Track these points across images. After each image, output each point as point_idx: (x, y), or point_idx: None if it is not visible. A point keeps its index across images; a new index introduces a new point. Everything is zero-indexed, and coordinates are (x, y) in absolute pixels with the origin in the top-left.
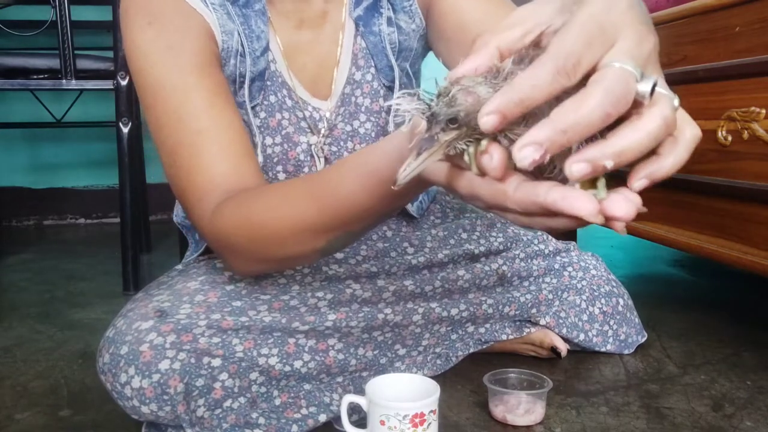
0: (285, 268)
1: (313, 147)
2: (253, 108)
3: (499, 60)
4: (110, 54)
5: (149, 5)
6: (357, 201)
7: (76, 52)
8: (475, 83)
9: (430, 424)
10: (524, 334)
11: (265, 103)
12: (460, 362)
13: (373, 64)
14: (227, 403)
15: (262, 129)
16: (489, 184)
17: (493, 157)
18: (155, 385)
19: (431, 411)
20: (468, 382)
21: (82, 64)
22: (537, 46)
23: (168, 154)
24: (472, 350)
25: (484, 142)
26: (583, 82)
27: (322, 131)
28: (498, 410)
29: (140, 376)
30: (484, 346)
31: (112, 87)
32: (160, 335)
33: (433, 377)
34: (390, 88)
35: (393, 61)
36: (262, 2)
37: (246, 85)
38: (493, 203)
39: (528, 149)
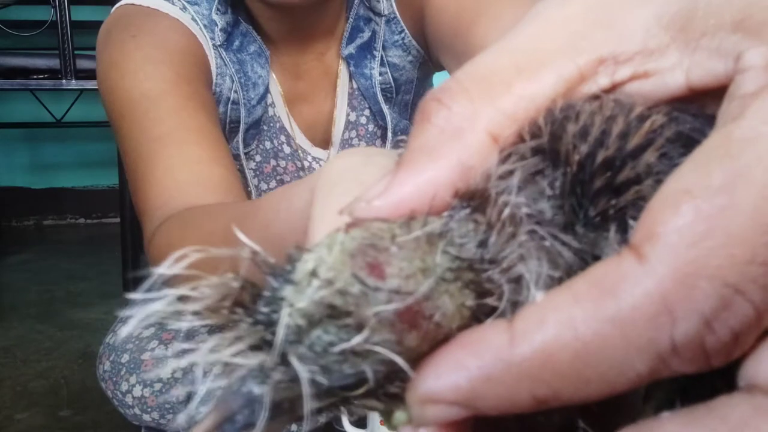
0: None
1: None
2: (246, 153)
3: (493, 144)
4: None
5: (138, 21)
6: None
7: (76, 52)
8: (418, 269)
9: None
10: None
11: (260, 147)
12: None
13: (367, 106)
14: None
15: (257, 173)
16: None
17: None
18: (157, 394)
19: None
20: None
21: (82, 64)
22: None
23: (130, 174)
24: None
25: (401, 414)
26: None
27: None
28: None
29: (142, 385)
30: None
31: None
32: (162, 343)
33: None
34: (387, 129)
35: (383, 107)
36: (257, 43)
37: (240, 135)
38: None
39: None
